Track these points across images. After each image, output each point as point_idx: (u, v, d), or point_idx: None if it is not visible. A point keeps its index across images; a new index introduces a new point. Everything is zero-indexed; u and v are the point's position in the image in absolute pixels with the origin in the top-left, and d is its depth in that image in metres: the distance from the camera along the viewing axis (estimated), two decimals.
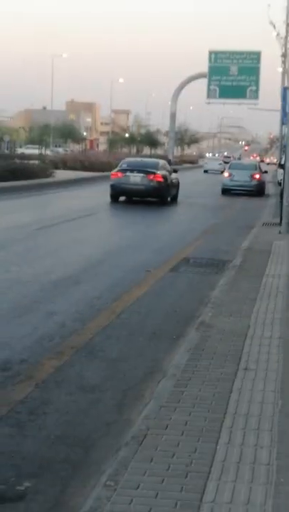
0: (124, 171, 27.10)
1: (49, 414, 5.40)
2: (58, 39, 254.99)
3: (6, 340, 7.23)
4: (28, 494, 4.14)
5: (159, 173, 26.87)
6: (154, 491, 3.91)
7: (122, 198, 26.60)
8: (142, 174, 26.44)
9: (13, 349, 6.97)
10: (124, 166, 27.83)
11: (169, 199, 27.50)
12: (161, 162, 30.04)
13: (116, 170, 27.85)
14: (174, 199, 28.74)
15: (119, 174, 26.83)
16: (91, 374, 6.39)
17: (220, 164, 73.92)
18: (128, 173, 26.62)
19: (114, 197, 26.62)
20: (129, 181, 26.53)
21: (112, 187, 26.58)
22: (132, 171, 26.87)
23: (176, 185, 29.39)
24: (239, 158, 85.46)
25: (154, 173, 26.55)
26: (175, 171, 30.74)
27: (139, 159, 32.08)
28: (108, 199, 26.26)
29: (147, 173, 26.59)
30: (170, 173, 28.71)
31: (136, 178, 26.40)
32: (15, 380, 6.11)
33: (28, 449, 4.75)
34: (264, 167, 50.99)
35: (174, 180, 28.91)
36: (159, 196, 26.71)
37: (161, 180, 26.59)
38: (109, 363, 6.73)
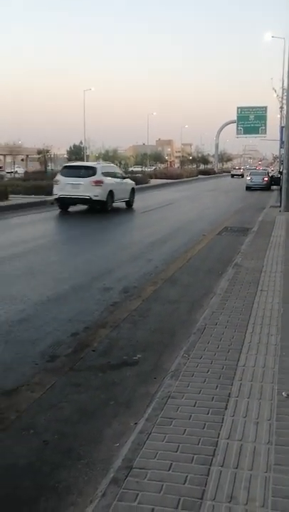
0: None
1: (150, 316, 5.40)
2: (150, 102, 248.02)
3: (125, 276, 7.28)
4: (139, 361, 4.17)
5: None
6: (211, 359, 3.86)
7: (182, 194, 25.83)
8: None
9: (129, 280, 7.00)
10: None
11: None
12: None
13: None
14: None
15: None
16: (173, 293, 6.36)
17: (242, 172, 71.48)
18: None
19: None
20: None
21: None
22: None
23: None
24: (255, 169, 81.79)
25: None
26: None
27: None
28: (178, 194, 25.66)
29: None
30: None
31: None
32: (131, 297, 6.14)
33: (139, 336, 4.77)
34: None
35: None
36: None
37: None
38: (183, 287, 6.68)
